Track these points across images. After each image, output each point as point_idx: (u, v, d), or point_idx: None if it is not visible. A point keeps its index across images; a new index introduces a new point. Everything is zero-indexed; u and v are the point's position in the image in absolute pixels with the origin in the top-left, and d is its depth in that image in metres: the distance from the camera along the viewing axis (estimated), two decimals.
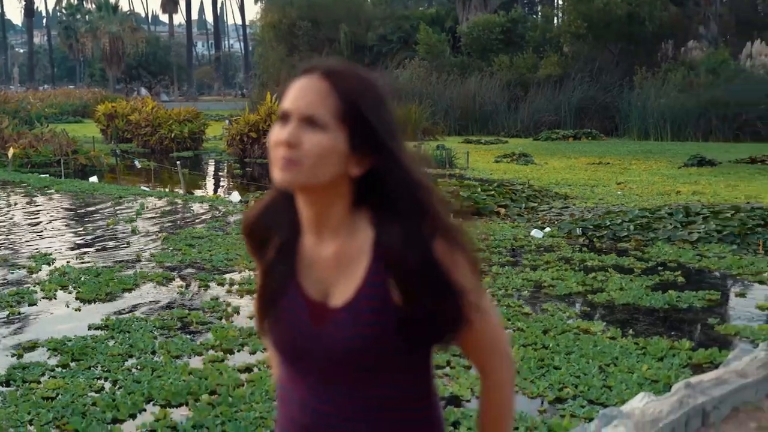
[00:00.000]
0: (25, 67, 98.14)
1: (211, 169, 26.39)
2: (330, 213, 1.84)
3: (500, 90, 38.96)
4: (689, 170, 21.10)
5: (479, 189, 15.89)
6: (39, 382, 6.04)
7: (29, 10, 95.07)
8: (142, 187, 18.91)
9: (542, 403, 5.70)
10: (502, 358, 1.93)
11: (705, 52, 36.95)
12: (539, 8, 54.12)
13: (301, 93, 1.79)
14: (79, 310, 8.07)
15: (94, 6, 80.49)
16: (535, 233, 12.10)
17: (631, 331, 7.27)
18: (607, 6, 37.91)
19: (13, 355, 6.70)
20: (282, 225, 1.93)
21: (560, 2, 49.81)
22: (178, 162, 20.41)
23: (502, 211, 14.43)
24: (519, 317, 7.66)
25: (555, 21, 49.99)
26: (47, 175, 20.97)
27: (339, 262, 1.84)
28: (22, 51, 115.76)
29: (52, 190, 18.05)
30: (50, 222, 13.95)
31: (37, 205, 16.04)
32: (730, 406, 4.75)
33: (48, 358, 6.62)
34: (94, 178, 20.20)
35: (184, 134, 30.44)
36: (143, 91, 69.86)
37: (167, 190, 18.92)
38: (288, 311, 1.88)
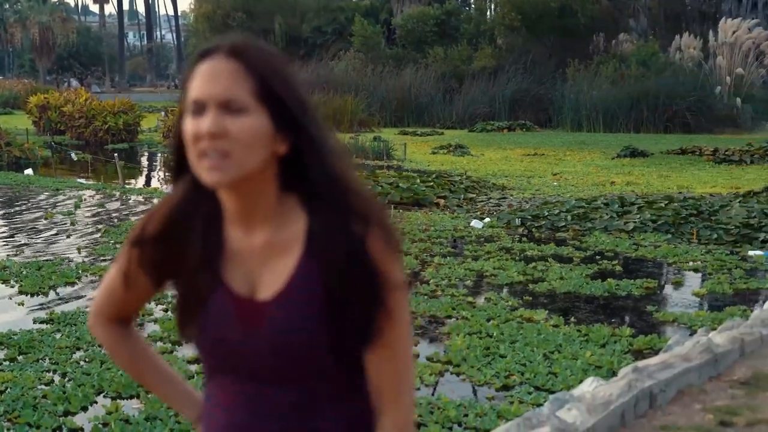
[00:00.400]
0: None
1: (146, 161, 26.17)
2: (259, 201, 1.72)
3: (435, 82, 39.21)
4: (622, 161, 21.48)
5: (418, 180, 16.02)
6: None
7: None
8: (79, 180, 18.72)
9: (490, 390, 5.83)
10: (405, 395, 1.79)
11: (635, 45, 37.53)
12: (472, 0, 54.46)
13: (211, 78, 1.66)
14: (23, 304, 8.02)
15: None
16: (475, 224, 12.26)
17: (573, 319, 7.45)
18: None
19: None
20: (194, 227, 1.77)
21: None
22: (115, 154, 20.24)
23: (442, 202, 14.59)
24: (464, 306, 7.79)
25: (488, 13, 50.40)
26: None
27: (269, 252, 1.74)
28: None
29: None
30: None
31: None
32: (676, 389, 4.91)
33: None
34: (29, 171, 19.98)
35: (119, 126, 30.14)
36: (74, 82, 68.87)
37: (104, 182, 18.75)
38: (213, 314, 1.75)
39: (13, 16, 76.25)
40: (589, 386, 4.66)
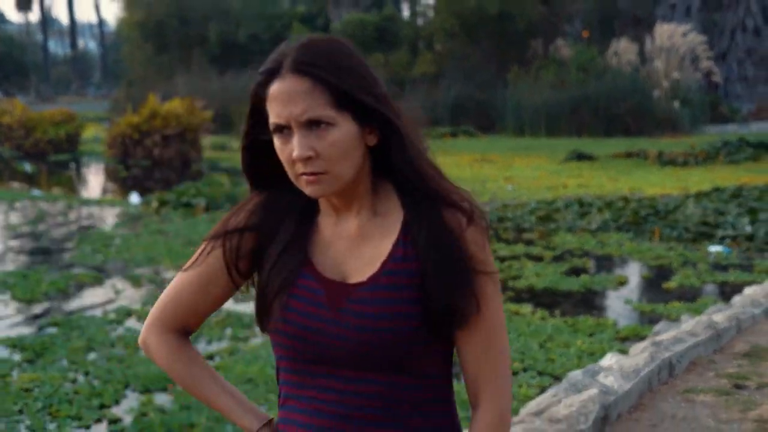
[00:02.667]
0: None
1: (94, 171, 26.12)
2: (355, 193, 1.74)
3: None
4: (570, 164, 22.08)
5: None
6: (11, 376, 6.25)
7: None
8: (34, 192, 18.74)
9: None
10: (501, 386, 1.76)
11: (574, 50, 38.37)
12: (408, 6, 55.07)
13: (287, 100, 1.65)
14: (21, 311, 8.23)
15: None
16: None
17: (557, 312, 7.88)
18: (479, 5, 38.97)
19: None
20: (284, 217, 1.81)
21: (430, 1, 50.82)
22: (72, 164, 20.28)
23: None
24: None
25: (418, 20, 50.92)
26: None
27: (362, 238, 1.75)
28: None
29: None
30: None
31: None
32: (688, 360, 5.57)
33: (10, 354, 6.81)
34: None
35: (60, 136, 29.93)
36: None
37: (60, 193, 18.80)
38: (299, 299, 1.74)
39: None
40: (609, 360, 5.27)
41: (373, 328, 1.66)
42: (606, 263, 10.25)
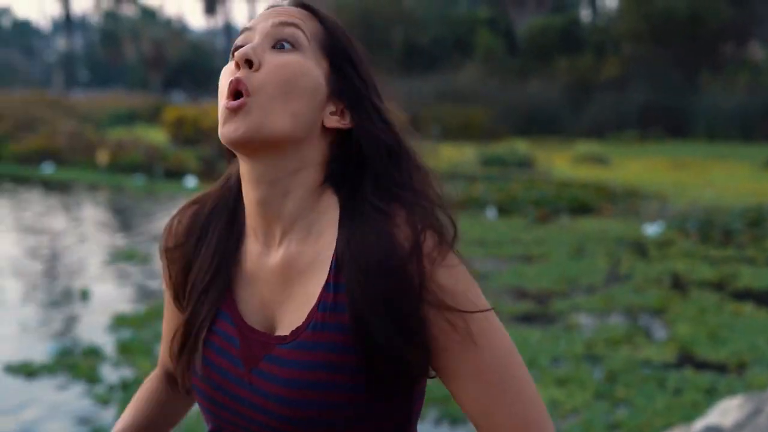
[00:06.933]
0: (62, 73, 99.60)
1: None
2: (288, 194, 1.32)
3: (561, 92, 39.67)
4: None
5: (574, 188, 16.82)
6: None
7: (67, 16, 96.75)
8: None
9: (725, 369, 6.61)
10: (535, 425, 1.28)
11: (765, 53, 37.45)
12: (591, 9, 54.72)
13: (273, 12, 1.36)
14: None
15: (132, 12, 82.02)
16: (648, 229, 12.96)
17: None
18: (667, 7, 38.49)
19: None
20: (213, 232, 1.42)
21: (613, 4, 50.42)
22: None
23: (606, 209, 15.29)
24: (673, 299, 8.59)
25: (603, 23, 50.47)
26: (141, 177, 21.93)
27: (289, 273, 1.33)
28: (54, 57, 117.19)
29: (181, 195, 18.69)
30: None
31: None
32: None
33: None
34: (191, 182, 20.52)
35: None
36: (177, 96, 70.39)
37: None
38: (215, 349, 1.37)
39: (125, 32, 78.93)
40: None
41: (290, 400, 1.28)
42: None
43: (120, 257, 11.21)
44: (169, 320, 1.52)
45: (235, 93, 1.28)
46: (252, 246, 1.37)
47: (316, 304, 1.28)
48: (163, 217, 14.36)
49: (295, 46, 1.31)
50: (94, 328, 7.87)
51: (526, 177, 20.69)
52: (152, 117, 37.94)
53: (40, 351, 7.10)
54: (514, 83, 40.75)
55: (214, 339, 1.37)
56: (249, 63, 1.28)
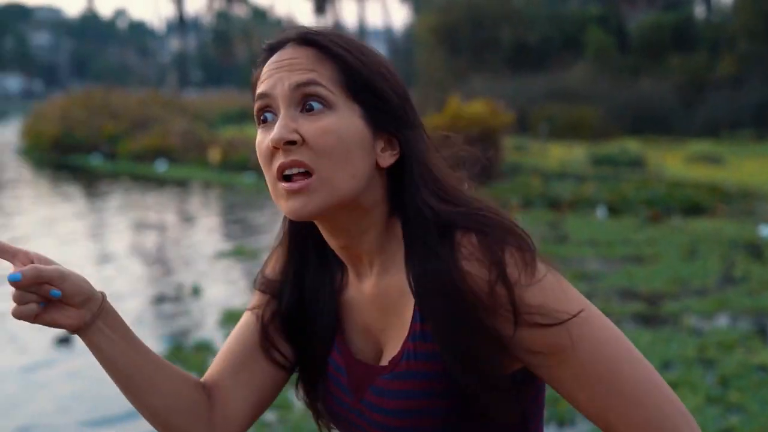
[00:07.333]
0: (175, 72, 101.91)
1: None
2: (363, 234, 1.33)
3: (674, 91, 38.93)
4: None
5: (686, 188, 16.46)
6: None
7: (181, 18, 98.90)
8: None
9: None
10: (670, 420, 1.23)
11: None
12: (709, 5, 53.50)
13: (278, 68, 1.28)
14: None
15: (244, 12, 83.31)
16: (764, 231, 12.58)
17: None
18: None
19: None
20: (310, 265, 1.44)
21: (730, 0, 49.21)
22: None
23: (720, 209, 14.92)
24: None
25: (717, 20, 49.36)
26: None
27: (383, 303, 1.34)
28: (168, 57, 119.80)
29: None
30: None
31: None
32: None
33: None
34: None
35: None
36: None
37: None
38: (333, 379, 1.41)
39: (237, 33, 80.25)
40: None
41: (394, 428, 1.31)
42: None
43: (230, 254, 11.42)
44: (240, 342, 1.47)
45: (287, 172, 1.26)
46: (351, 276, 1.39)
47: (408, 333, 1.28)
48: (272, 215, 14.59)
49: (324, 104, 1.25)
50: (204, 323, 8.04)
51: (638, 177, 20.35)
52: None
53: (152, 345, 7.25)
54: (625, 82, 40.12)
55: (330, 371, 1.41)
56: (290, 143, 1.25)
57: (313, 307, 1.41)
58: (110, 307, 1.34)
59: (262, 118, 1.30)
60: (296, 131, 1.23)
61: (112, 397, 4.94)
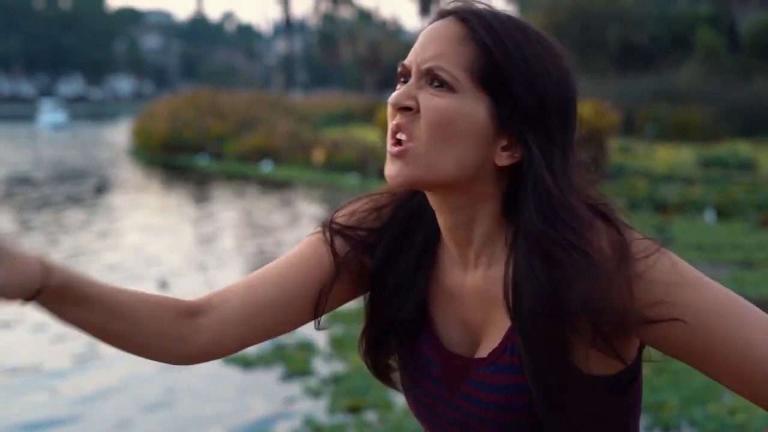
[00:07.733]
0: (281, 74, 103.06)
1: None
2: (473, 222, 1.31)
3: None
4: None
5: None
6: None
7: (287, 20, 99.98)
8: None
9: None
10: None
11: None
12: None
13: (427, 41, 1.28)
14: None
15: (349, 14, 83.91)
16: None
17: None
18: None
19: None
20: (415, 237, 1.41)
21: None
22: None
23: None
24: None
25: None
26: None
27: (487, 297, 1.32)
28: (274, 59, 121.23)
29: None
30: None
31: None
32: None
33: None
34: None
35: None
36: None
37: None
38: (422, 373, 1.40)
39: (342, 34, 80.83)
40: None
41: (491, 421, 1.30)
42: None
43: None
44: (289, 276, 1.41)
45: (396, 136, 1.27)
46: (450, 265, 1.37)
47: (511, 327, 1.27)
48: None
49: (450, 87, 1.24)
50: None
51: (748, 179, 19.84)
52: (367, 117, 38.71)
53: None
54: (736, 82, 39.20)
55: (419, 364, 1.39)
56: (406, 108, 1.27)
57: (400, 282, 1.39)
58: (56, 280, 1.18)
59: (402, 80, 1.32)
60: (414, 99, 1.25)
61: None
